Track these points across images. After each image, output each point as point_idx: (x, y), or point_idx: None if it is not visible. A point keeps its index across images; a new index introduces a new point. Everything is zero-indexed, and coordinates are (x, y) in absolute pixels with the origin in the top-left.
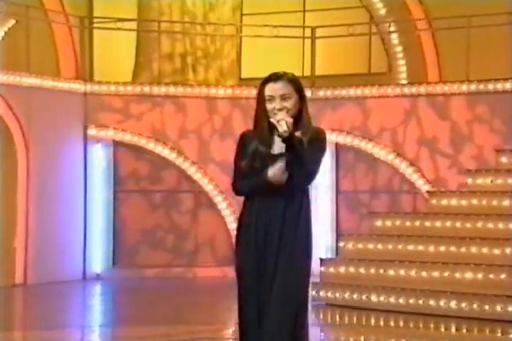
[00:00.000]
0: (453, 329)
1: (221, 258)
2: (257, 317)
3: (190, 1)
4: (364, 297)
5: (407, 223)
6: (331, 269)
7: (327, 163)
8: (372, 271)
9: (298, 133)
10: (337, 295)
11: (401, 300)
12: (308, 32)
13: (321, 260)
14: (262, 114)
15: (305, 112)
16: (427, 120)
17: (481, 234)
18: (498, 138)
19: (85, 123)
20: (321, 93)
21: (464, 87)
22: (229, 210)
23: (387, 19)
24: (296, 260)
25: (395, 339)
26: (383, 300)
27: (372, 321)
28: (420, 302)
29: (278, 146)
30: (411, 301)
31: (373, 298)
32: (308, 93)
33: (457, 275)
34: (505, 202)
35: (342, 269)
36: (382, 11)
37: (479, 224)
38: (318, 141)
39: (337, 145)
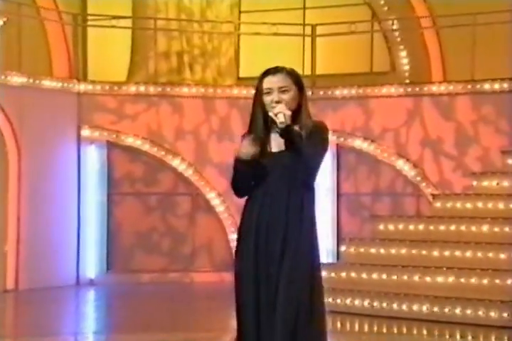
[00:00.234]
0: (458, 337)
1: (219, 262)
2: (256, 322)
3: None
4: (366, 303)
5: (411, 227)
6: (332, 274)
7: (328, 165)
8: (375, 276)
9: (296, 127)
10: (338, 301)
11: (404, 307)
12: (308, 30)
13: (322, 265)
14: (258, 109)
15: (304, 106)
16: (431, 120)
17: (486, 238)
18: (504, 139)
19: (79, 124)
20: (321, 93)
21: (469, 87)
22: (227, 213)
23: (389, 17)
24: (302, 261)
25: None
26: (386, 307)
27: (375, 328)
28: (424, 308)
29: (275, 143)
30: (414, 307)
31: (376, 304)
32: (308, 92)
33: (462, 280)
34: None
35: (343, 274)
36: (385, 8)
37: (485, 228)
38: (318, 135)
39: (338, 147)
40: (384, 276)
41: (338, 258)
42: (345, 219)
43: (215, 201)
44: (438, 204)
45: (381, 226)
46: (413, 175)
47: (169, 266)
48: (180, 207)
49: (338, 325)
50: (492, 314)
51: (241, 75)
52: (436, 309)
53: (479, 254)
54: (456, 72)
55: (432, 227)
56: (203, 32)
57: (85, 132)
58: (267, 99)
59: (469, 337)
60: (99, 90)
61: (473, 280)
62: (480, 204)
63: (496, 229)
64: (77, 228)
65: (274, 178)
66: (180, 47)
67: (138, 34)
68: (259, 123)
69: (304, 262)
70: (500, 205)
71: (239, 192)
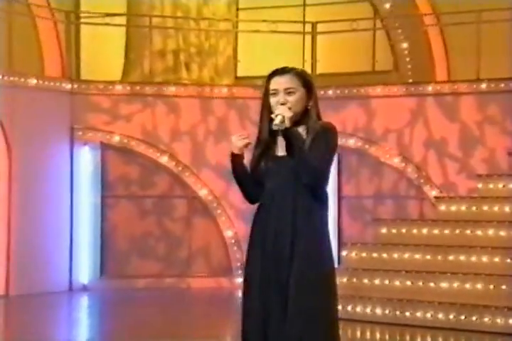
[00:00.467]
0: None
1: (216, 267)
2: (260, 329)
3: None
4: (368, 310)
5: (414, 230)
6: None
7: None
8: (377, 281)
9: (302, 129)
10: (339, 307)
11: (407, 313)
12: (308, 27)
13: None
14: (265, 111)
15: (313, 108)
16: (435, 121)
17: (492, 243)
18: (511, 140)
19: (72, 125)
20: (322, 92)
21: (474, 86)
22: (224, 216)
23: (392, 14)
24: (312, 265)
25: None
26: (388, 313)
27: (378, 335)
28: (428, 315)
29: (281, 147)
30: (418, 314)
31: (378, 310)
32: None
33: (467, 286)
34: None
35: (344, 280)
36: (387, 5)
37: (490, 232)
38: (324, 137)
39: (339, 148)
40: (386, 282)
41: (339, 263)
42: (347, 223)
43: (212, 204)
44: (442, 208)
45: (384, 230)
46: (416, 178)
47: (165, 271)
48: (176, 210)
49: (339, 332)
50: (498, 321)
51: (239, 74)
52: (440, 316)
53: (485, 259)
54: (461, 71)
55: (436, 231)
56: (199, 30)
57: (78, 133)
58: (272, 100)
59: None
60: (93, 90)
61: (478, 285)
62: (485, 208)
63: (502, 233)
64: (69, 232)
65: (279, 182)
66: (176, 46)
67: (132, 32)
68: (265, 125)
69: (314, 266)
70: (507, 208)
71: (247, 198)
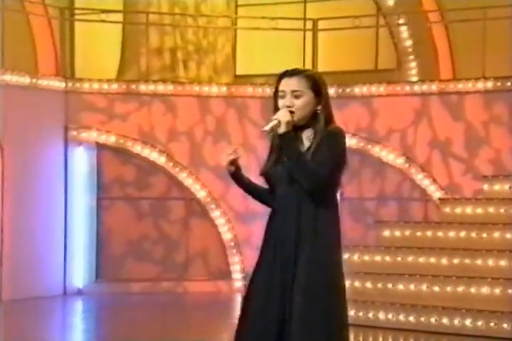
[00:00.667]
0: None
1: (214, 271)
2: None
3: None
4: (371, 314)
5: (418, 233)
6: None
7: None
8: (380, 285)
9: (310, 133)
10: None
11: (411, 318)
12: (309, 24)
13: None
14: (275, 112)
15: (322, 112)
16: (440, 121)
17: (498, 246)
18: None
19: (66, 124)
20: None
21: (480, 85)
22: (223, 219)
23: (396, 11)
24: (318, 272)
25: None
26: (392, 318)
27: None
28: (432, 320)
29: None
30: (422, 319)
31: (381, 315)
32: None
33: (472, 290)
34: None
35: (346, 284)
36: (391, 2)
37: (496, 235)
38: (328, 141)
39: None
40: (390, 286)
41: None
42: (349, 225)
43: (211, 206)
44: (447, 210)
45: (386, 233)
46: (420, 179)
47: (162, 275)
48: (173, 213)
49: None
50: (505, 326)
51: (238, 73)
52: (445, 320)
53: (490, 262)
54: (466, 69)
55: (440, 234)
56: (197, 27)
57: (73, 133)
58: (280, 101)
59: None
60: (88, 88)
61: (484, 290)
62: (491, 210)
63: (508, 236)
64: (64, 234)
65: (285, 187)
66: (174, 43)
67: (129, 29)
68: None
69: (319, 271)
70: None
71: (262, 204)
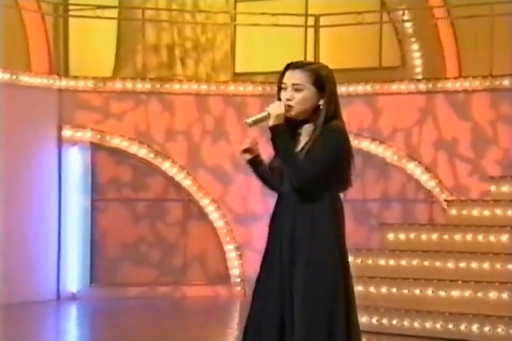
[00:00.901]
0: None
1: (213, 275)
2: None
3: None
4: (374, 320)
5: (423, 236)
6: None
7: None
8: (384, 290)
9: (311, 128)
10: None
11: (416, 324)
12: (311, 20)
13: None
14: None
15: (325, 108)
16: (446, 120)
17: (506, 249)
18: None
19: (60, 124)
20: None
21: (487, 83)
22: (222, 221)
23: (400, 6)
24: (318, 274)
25: None
26: (396, 324)
27: None
28: (438, 325)
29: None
30: (427, 324)
31: (385, 321)
32: None
33: (480, 294)
34: None
35: None
36: None
37: (504, 238)
38: (323, 138)
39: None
40: (394, 290)
41: None
42: (352, 228)
43: (209, 208)
44: (453, 212)
45: (391, 236)
46: (426, 180)
47: (159, 279)
48: (170, 215)
49: None
50: None
51: (237, 70)
52: (451, 326)
53: (498, 266)
54: (473, 67)
55: (446, 237)
56: (195, 23)
57: (67, 132)
58: (282, 94)
59: None
60: (82, 86)
61: (491, 294)
62: (499, 212)
63: None
64: (57, 237)
65: (286, 185)
66: (171, 40)
67: (124, 25)
68: None
69: (320, 275)
70: None
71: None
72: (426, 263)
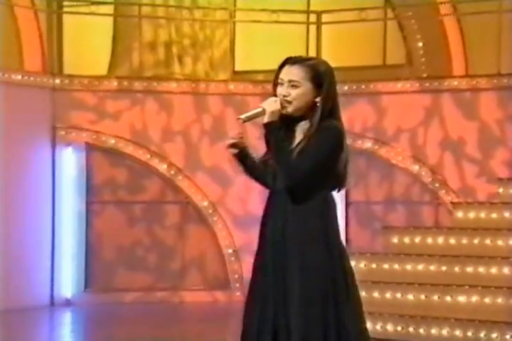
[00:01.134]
0: None
1: (212, 280)
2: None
3: None
4: (378, 326)
5: (429, 240)
6: None
7: None
8: (388, 295)
9: (307, 126)
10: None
11: (421, 330)
12: (313, 17)
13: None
14: None
15: (322, 105)
16: (452, 120)
17: None
18: None
19: (53, 124)
20: None
21: (495, 81)
22: (221, 224)
23: (405, 2)
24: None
25: None
26: (401, 330)
27: None
28: (444, 332)
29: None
30: (433, 331)
31: (389, 327)
32: None
33: (487, 300)
34: None
35: None
36: None
37: None
38: (317, 136)
39: None
40: (399, 296)
41: None
42: (355, 231)
43: (208, 210)
44: (459, 214)
45: (395, 239)
46: (431, 181)
47: (156, 284)
48: (168, 217)
49: None
50: None
51: (237, 69)
52: (457, 333)
53: (506, 271)
54: (480, 65)
55: (452, 240)
56: (193, 20)
57: (61, 133)
58: (278, 90)
59: None
60: (77, 85)
61: (499, 300)
62: (507, 214)
63: None
64: (51, 241)
65: (278, 181)
66: (168, 37)
67: (120, 22)
68: None
69: (313, 279)
70: None
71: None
72: (431, 267)
